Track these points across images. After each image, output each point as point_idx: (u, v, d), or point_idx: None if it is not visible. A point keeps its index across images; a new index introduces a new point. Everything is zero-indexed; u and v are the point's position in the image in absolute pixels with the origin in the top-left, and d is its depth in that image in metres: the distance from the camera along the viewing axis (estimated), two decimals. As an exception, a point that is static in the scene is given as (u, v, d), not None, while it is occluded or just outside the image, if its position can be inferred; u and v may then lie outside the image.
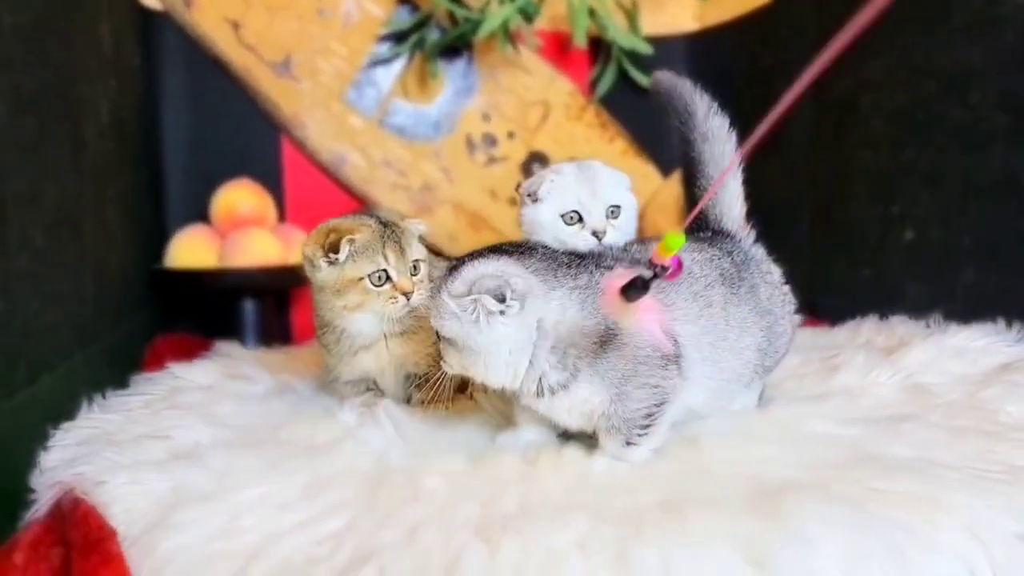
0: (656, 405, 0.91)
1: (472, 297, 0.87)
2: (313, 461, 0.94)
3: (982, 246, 1.49)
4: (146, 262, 1.74)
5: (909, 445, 0.94)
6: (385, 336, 1.14)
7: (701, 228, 1.14)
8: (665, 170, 2.21)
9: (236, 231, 1.76)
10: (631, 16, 2.06)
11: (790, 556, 0.69)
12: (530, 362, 0.90)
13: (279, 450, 0.98)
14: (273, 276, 1.76)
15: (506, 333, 0.88)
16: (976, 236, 1.50)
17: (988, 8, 1.43)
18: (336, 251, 1.09)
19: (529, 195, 1.09)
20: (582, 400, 0.92)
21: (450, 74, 2.09)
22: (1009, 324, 1.38)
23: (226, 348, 1.57)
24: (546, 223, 1.07)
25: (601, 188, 1.08)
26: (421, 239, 1.18)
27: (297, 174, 2.03)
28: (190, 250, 1.74)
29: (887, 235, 1.69)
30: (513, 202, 2.14)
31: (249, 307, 1.79)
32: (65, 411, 1.12)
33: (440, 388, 0.98)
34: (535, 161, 2.14)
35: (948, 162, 1.55)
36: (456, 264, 0.93)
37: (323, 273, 1.12)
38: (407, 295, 1.10)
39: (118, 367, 1.47)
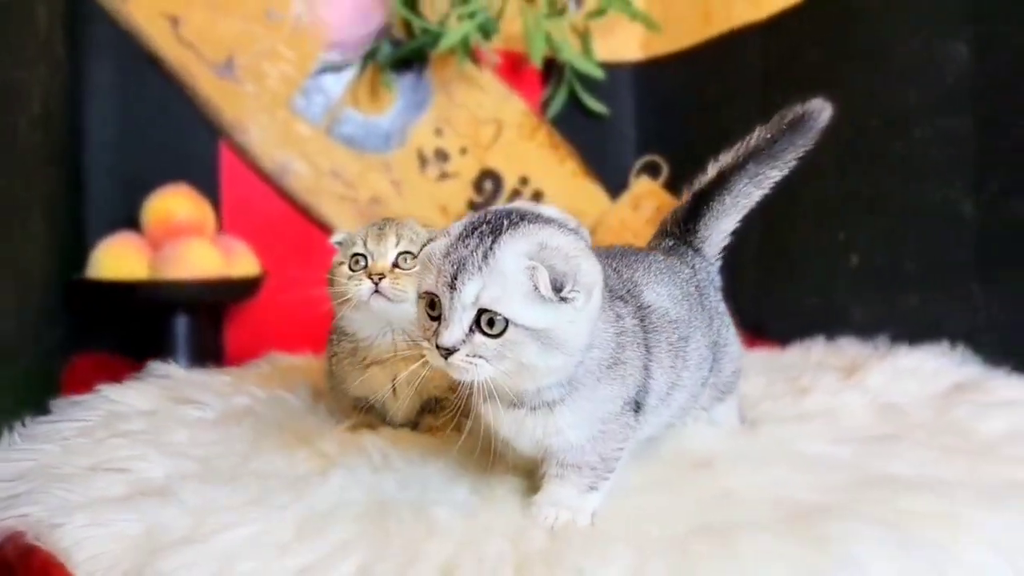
0: (621, 448, 0.83)
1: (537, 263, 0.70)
2: (301, 495, 0.84)
3: (923, 271, 1.56)
4: (63, 272, 1.57)
5: (907, 464, 0.96)
6: (399, 356, 1.05)
7: (671, 234, 1.09)
8: (613, 192, 2.20)
9: (172, 240, 1.62)
10: (584, 40, 2.06)
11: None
12: None
13: (259, 483, 0.87)
14: (213, 289, 1.63)
15: (588, 322, 0.74)
16: (918, 262, 1.57)
17: (925, 52, 1.51)
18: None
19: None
20: (556, 429, 0.79)
21: (400, 86, 2.02)
22: (953, 345, 1.44)
23: (161, 368, 1.42)
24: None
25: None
26: None
27: (235, 182, 1.90)
28: (118, 259, 1.58)
29: (833, 260, 1.73)
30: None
31: (182, 323, 1.65)
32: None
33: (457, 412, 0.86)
34: (487, 178, 2.09)
35: (891, 191, 1.61)
36: (501, 214, 0.74)
37: (331, 268, 1.09)
38: (373, 277, 1.01)
39: (33, 390, 1.31)
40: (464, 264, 0.71)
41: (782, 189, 1.89)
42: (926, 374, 1.37)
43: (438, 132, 2.05)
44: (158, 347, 1.63)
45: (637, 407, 0.84)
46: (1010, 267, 1.39)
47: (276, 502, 0.82)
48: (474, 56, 1.95)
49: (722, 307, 1.08)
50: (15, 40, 1.18)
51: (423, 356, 0.76)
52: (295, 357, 1.64)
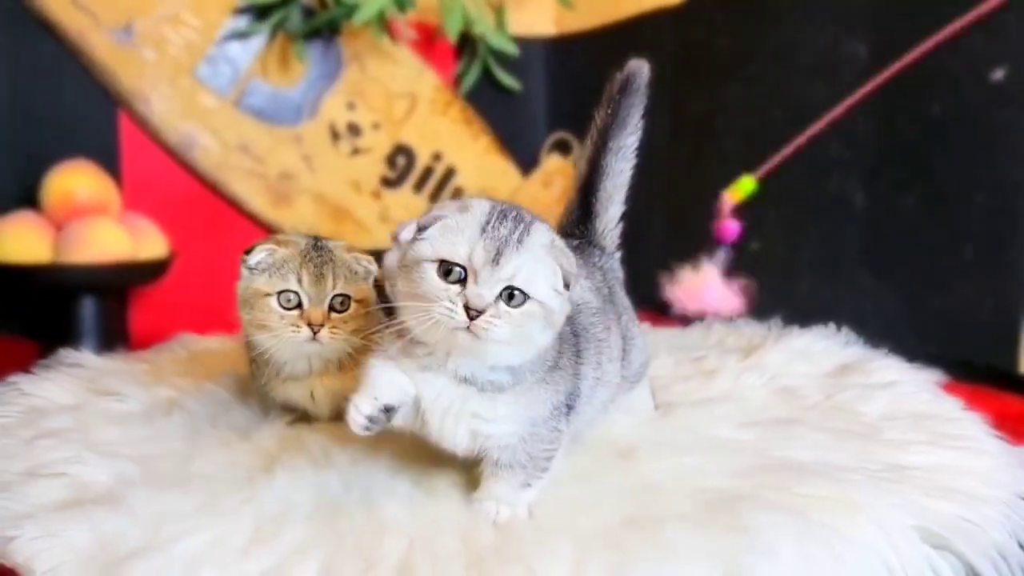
0: (551, 449, 0.88)
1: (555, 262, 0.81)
2: (250, 497, 0.86)
3: (816, 259, 1.70)
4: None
5: (804, 448, 1.05)
6: (314, 373, 1.04)
7: (572, 235, 1.11)
8: (524, 169, 2.25)
9: (75, 220, 1.54)
10: (499, 15, 2.07)
11: (762, 569, 0.76)
12: None
13: (206, 486, 0.88)
14: (120, 273, 1.57)
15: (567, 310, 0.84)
16: (812, 250, 1.71)
17: (830, 51, 1.63)
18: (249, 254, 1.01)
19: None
20: (494, 417, 0.83)
21: (310, 55, 1.97)
22: (839, 328, 1.58)
23: (72, 356, 1.37)
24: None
25: None
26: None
27: (137, 156, 1.82)
28: (18, 241, 1.50)
29: (736, 245, 1.86)
30: (376, 195, 2.09)
31: (88, 306, 1.58)
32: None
33: None
34: (400, 154, 2.09)
35: (792, 182, 1.74)
36: (515, 208, 0.83)
37: (239, 286, 1.03)
38: (313, 327, 0.98)
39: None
40: (506, 242, 0.79)
41: (689, 172, 2.01)
42: (815, 354, 1.49)
43: (350, 106, 2.02)
44: (64, 330, 1.58)
45: (568, 410, 0.90)
46: (895, 256, 1.54)
47: (227, 505, 0.84)
48: (389, 29, 1.93)
49: (627, 302, 1.13)
50: None
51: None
52: (208, 339, 1.61)
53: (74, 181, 1.58)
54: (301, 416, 1.10)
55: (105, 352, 1.51)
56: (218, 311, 1.86)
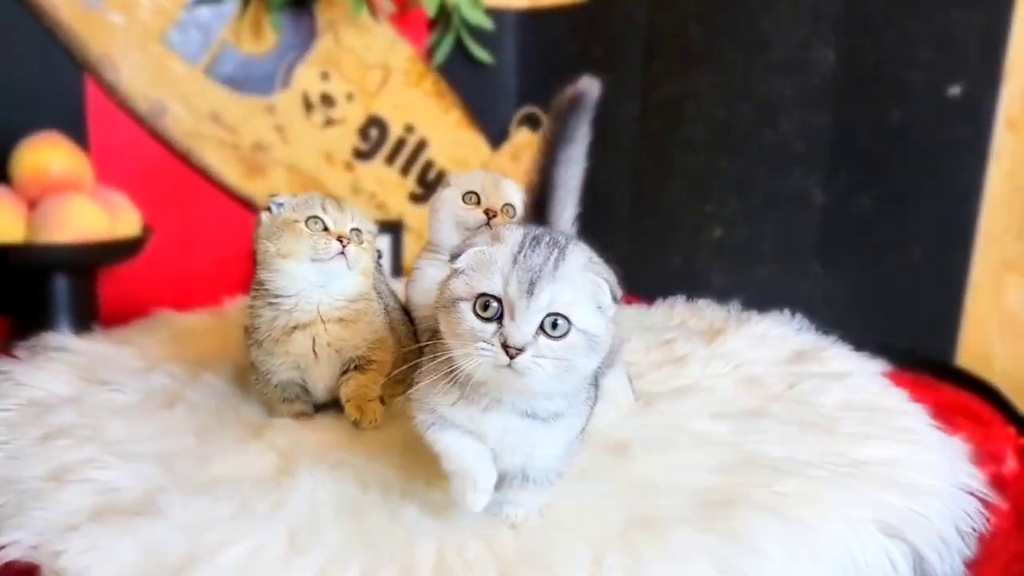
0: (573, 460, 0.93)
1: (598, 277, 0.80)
2: (279, 501, 0.90)
3: (775, 248, 1.80)
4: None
5: (773, 443, 1.13)
6: (321, 318, 1.11)
7: None
8: (494, 142, 2.27)
9: (50, 197, 1.50)
10: (475, -12, 2.06)
11: (752, 569, 0.85)
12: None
13: (232, 489, 0.92)
14: (99, 251, 1.54)
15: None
16: (771, 239, 1.81)
17: (800, 51, 1.70)
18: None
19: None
20: (552, 441, 0.86)
21: (282, 22, 1.93)
22: (793, 314, 1.70)
23: (55, 339, 1.37)
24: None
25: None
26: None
27: (104, 125, 1.76)
28: (-10, 218, 1.45)
29: (699, 230, 1.95)
30: (349, 167, 2.08)
31: (62, 284, 1.56)
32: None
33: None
34: (373, 126, 2.08)
35: (755, 174, 1.83)
36: (546, 231, 0.82)
37: (264, 224, 1.11)
38: (343, 240, 1.08)
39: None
40: (540, 271, 0.77)
41: (656, 157, 2.08)
42: (773, 340, 1.59)
43: (324, 76, 1.99)
44: (36, 306, 1.55)
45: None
46: (847, 251, 1.66)
47: (258, 510, 0.88)
48: (369, 2, 1.90)
49: None
50: None
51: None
52: (186, 316, 1.62)
53: (47, 156, 1.53)
54: (300, 410, 1.15)
55: (80, 329, 1.50)
56: (190, 283, 1.86)
